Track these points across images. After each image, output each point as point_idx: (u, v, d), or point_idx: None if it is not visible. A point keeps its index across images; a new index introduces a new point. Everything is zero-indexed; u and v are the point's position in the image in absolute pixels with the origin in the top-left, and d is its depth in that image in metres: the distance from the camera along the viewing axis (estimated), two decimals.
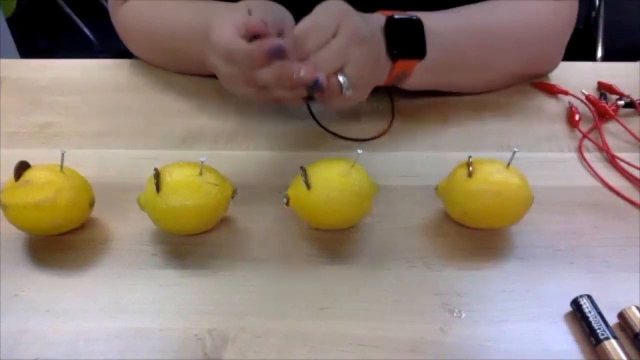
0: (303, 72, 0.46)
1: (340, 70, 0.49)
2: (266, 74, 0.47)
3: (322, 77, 0.47)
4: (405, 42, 0.55)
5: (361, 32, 0.50)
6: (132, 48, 0.71)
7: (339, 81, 0.49)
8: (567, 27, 0.66)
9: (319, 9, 0.49)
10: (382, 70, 0.55)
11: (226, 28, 0.49)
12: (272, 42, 0.47)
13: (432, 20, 0.57)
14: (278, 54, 0.46)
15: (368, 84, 0.54)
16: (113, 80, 0.68)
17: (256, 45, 0.47)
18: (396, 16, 0.54)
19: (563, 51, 0.67)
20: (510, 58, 0.63)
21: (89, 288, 0.44)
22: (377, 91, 0.58)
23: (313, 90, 0.48)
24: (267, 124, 0.60)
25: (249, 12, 0.51)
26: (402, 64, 0.56)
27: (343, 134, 0.59)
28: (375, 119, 0.62)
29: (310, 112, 0.61)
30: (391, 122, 0.61)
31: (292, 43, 0.47)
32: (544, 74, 0.68)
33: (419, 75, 0.58)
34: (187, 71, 0.68)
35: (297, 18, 0.50)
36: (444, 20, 0.59)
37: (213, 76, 0.61)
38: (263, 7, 0.52)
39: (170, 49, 0.65)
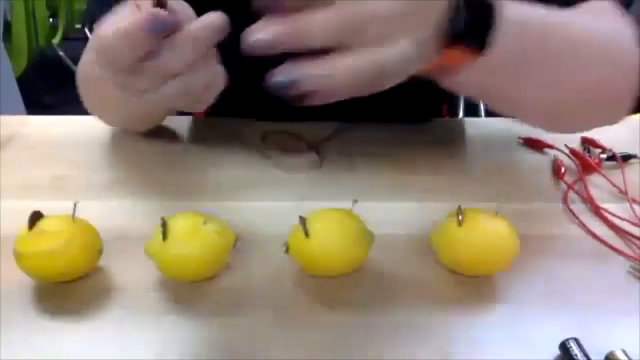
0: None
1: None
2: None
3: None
4: (469, 22, 0.40)
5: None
6: (90, 111, 0.69)
7: (390, 58, 0.36)
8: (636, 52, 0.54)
9: None
10: (429, 52, 0.40)
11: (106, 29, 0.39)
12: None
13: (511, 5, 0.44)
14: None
15: (411, 70, 0.39)
16: (118, 136, 0.72)
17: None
18: None
19: (635, 87, 0.54)
20: (591, 71, 0.51)
21: (96, 335, 0.45)
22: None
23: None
24: (267, 175, 0.63)
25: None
26: (452, 55, 0.42)
27: None
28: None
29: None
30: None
31: None
32: (615, 112, 0.57)
33: (474, 72, 0.44)
34: (140, 124, 0.68)
35: None
36: (525, 7, 0.46)
37: (214, 130, 0.64)
38: None
39: (102, 100, 0.62)
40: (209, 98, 0.42)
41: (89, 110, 0.69)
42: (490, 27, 0.42)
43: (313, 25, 0.36)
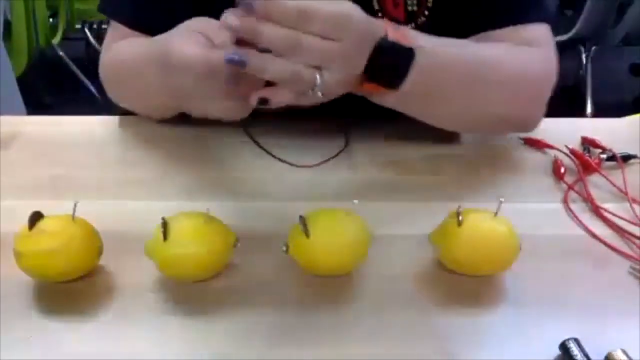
0: (230, 19, 0.45)
1: (319, 69, 0.47)
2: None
3: (241, 54, 0.45)
4: (385, 68, 0.52)
5: (360, 50, 0.48)
6: (111, 95, 0.73)
7: (315, 78, 0.46)
8: (550, 79, 0.67)
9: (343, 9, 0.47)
10: (354, 82, 0.53)
11: (189, 44, 0.49)
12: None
13: (425, 44, 0.55)
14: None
15: (337, 93, 0.52)
16: (119, 136, 0.72)
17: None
18: (390, 38, 0.52)
19: (545, 106, 0.67)
20: (495, 98, 0.62)
21: (96, 334, 0.45)
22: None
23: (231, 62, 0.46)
24: (267, 175, 0.63)
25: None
26: (370, 87, 0.54)
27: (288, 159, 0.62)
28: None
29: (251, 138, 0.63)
30: (343, 148, 0.66)
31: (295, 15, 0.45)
32: (527, 126, 0.68)
33: (391, 99, 0.56)
34: (161, 114, 0.71)
35: None
36: (437, 46, 0.57)
37: (213, 129, 0.64)
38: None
39: (136, 89, 0.68)
40: (250, 108, 0.51)
41: (113, 99, 0.73)
42: (404, 75, 0.53)
43: (264, 31, 0.45)
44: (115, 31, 0.72)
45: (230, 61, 0.45)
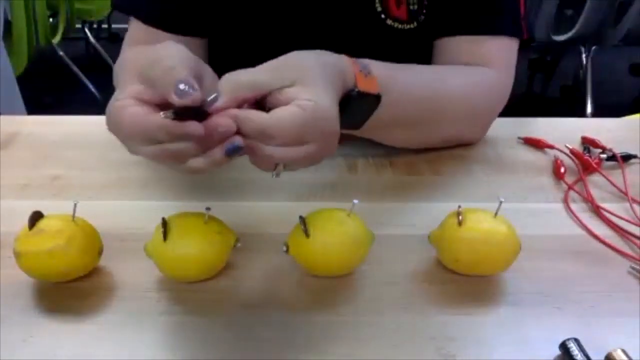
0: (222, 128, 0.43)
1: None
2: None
3: (240, 141, 0.44)
4: (351, 114, 0.53)
5: (326, 144, 0.47)
6: None
7: (273, 169, 0.48)
8: (501, 103, 0.69)
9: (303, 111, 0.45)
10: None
11: (131, 107, 0.46)
12: (197, 127, 0.42)
13: (390, 86, 0.56)
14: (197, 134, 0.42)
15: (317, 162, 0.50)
16: None
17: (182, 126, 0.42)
18: (360, 88, 0.52)
19: (492, 122, 0.71)
20: (448, 126, 0.66)
21: (95, 334, 0.45)
22: None
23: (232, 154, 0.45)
24: (267, 175, 0.63)
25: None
26: None
27: None
28: None
29: None
30: None
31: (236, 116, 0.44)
32: (472, 141, 0.71)
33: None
34: None
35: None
36: (400, 84, 0.59)
37: None
38: (180, 57, 0.45)
39: None
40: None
41: None
42: (367, 118, 0.56)
43: (243, 121, 0.45)
44: (132, 28, 0.72)
45: (232, 150, 0.44)
